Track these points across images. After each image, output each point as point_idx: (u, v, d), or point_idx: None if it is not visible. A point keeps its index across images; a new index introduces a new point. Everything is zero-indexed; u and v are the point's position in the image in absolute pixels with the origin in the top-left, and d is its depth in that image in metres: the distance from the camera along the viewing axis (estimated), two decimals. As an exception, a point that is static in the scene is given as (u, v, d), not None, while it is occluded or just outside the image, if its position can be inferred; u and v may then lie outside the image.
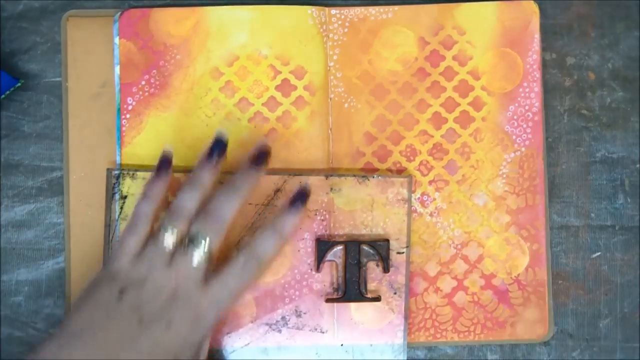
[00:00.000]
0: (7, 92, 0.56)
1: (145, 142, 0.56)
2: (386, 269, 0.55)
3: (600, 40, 0.58)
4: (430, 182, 0.57)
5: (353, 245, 0.55)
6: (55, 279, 0.57)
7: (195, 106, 0.56)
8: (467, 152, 0.57)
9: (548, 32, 0.58)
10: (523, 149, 0.57)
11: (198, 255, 0.49)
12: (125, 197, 0.55)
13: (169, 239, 0.49)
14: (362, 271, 0.55)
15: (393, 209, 0.56)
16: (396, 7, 0.57)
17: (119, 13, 0.56)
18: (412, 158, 0.57)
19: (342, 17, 0.57)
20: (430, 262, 0.56)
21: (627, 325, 0.57)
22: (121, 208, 0.55)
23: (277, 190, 0.55)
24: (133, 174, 0.55)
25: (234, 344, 0.55)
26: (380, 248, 0.55)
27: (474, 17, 0.57)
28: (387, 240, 0.55)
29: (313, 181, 0.55)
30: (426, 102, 0.57)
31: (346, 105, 0.57)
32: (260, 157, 0.52)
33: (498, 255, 0.56)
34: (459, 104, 0.57)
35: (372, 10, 0.57)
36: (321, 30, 0.57)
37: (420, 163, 0.57)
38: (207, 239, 0.49)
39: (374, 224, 0.56)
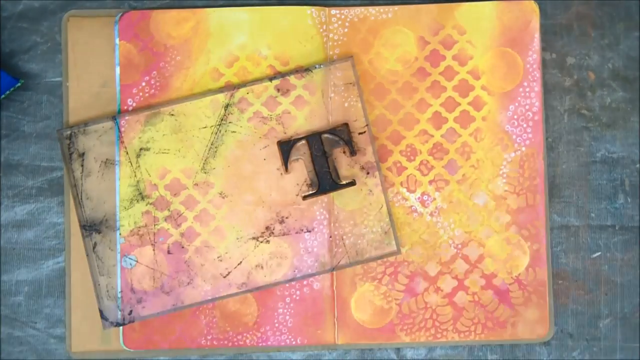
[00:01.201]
0: (7, 92, 0.57)
1: (144, 143, 0.56)
2: (352, 152, 0.55)
3: (600, 40, 0.58)
4: (430, 182, 0.57)
5: (314, 138, 0.55)
6: (55, 279, 0.57)
7: (195, 107, 0.56)
8: (468, 151, 0.57)
9: (548, 32, 0.58)
10: (523, 148, 0.56)
11: None
12: (83, 153, 0.55)
13: None
14: (330, 160, 0.55)
15: (343, 94, 0.56)
16: (396, 7, 0.57)
17: (119, 14, 0.56)
18: (412, 158, 0.57)
19: (342, 17, 0.57)
20: (431, 261, 0.56)
21: (627, 325, 0.57)
22: (82, 166, 0.55)
23: (227, 106, 0.55)
24: (84, 130, 0.55)
25: (227, 266, 0.55)
26: (341, 133, 0.55)
27: (474, 16, 0.57)
28: (346, 124, 0.55)
29: (259, 88, 0.55)
30: (426, 101, 0.57)
31: (346, 104, 0.57)
32: None
33: (498, 255, 0.56)
34: (459, 104, 0.57)
35: (372, 10, 0.57)
36: (321, 30, 0.57)
37: (421, 163, 0.57)
38: None
39: (330, 114, 0.56)
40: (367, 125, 0.56)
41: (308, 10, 0.57)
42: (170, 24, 0.57)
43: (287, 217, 0.55)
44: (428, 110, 0.57)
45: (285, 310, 0.55)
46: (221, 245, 0.55)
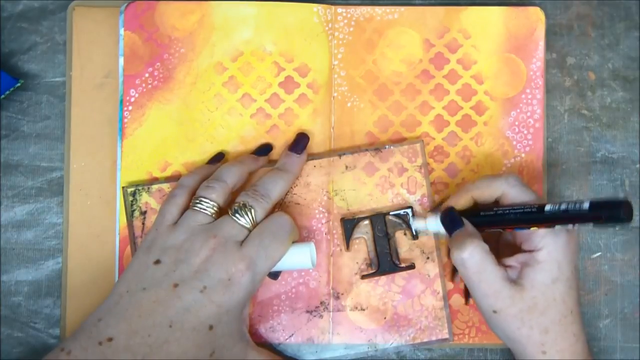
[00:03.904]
0: (7, 92, 0.56)
1: (146, 134, 0.56)
2: (414, 236, 0.55)
3: (600, 40, 0.59)
4: (430, 184, 0.57)
5: (378, 218, 0.55)
6: (55, 279, 0.57)
7: (197, 100, 0.56)
8: (468, 155, 0.57)
9: (548, 32, 0.58)
10: (523, 155, 0.57)
11: (244, 221, 0.49)
12: (145, 212, 0.54)
13: (205, 207, 0.50)
14: (391, 242, 0.55)
15: (409, 174, 0.56)
16: (402, 8, 0.57)
17: (125, 4, 0.56)
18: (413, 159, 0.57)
19: (348, 15, 0.57)
20: (429, 263, 0.56)
21: (627, 326, 0.58)
22: (143, 224, 0.55)
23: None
24: (148, 189, 0.55)
25: (279, 337, 0.55)
26: (405, 216, 0.55)
27: (480, 21, 0.57)
28: (410, 207, 0.55)
29: (326, 163, 0.55)
30: (429, 104, 0.57)
31: (349, 104, 0.57)
32: (300, 143, 0.55)
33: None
34: (461, 108, 0.57)
35: (379, 10, 0.57)
36: (326, 28, 0.57)
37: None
38: (254, 210, 0.50)
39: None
40: (430, 210, 0.56)
41: (314, 7, 0.56)
42: (175, 15, 0.56)
43: (342, 294, 0.55)
44: (430, 112, 0.57)
45: (280, 308, 0.55)
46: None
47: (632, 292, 0.58)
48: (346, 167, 0.56)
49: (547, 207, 0.46)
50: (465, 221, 0.50)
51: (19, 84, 0.57)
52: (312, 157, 0.56)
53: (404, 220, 0.55)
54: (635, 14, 0.59)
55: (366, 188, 0.56)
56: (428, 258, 0.56)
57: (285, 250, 0.50)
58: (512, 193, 0.50)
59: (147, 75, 0.56)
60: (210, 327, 0.47)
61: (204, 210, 0.49)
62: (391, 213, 0.55)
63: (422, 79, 0.57)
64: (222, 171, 0.52)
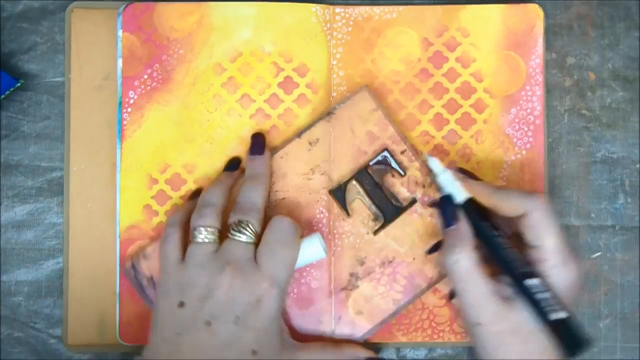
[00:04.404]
0: (7, 92, 0.56)
1: (145, 136, 0.56)
2: (402, 174, 0.55)
3: (600, 40, 0.59)
4: (431, 184, 0.56)
5: (362, 174, 0.55)
6: (55, 279, 0.57)
7: (196, 101, 0.56)
8: (468, 153, 0.57)
9: (548, 32, 0.58)
10: (524, 152, 0.57)
11: (246, 237, 0.49)
12: (151, 277, 0.54)
13: (205, 235, 0.49)
14: (384, 189, 0.55)
15: (372, 122, 0.56)
16: (401, 7, 0.57)
17: (123, 6, 0.56)
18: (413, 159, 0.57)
19: (347, 15, 0.57)
20: (430, 262, 0.56)
21: (627, 326, 0.57)
22: (154, 288, 0.54)
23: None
24: (144, 254, 0.54)
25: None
26: (385, 159, 0.55)
27: (479, 19, 0.57)
28: (385, 149, 0.55)
29: (290, 148, 0.55)
30: (428, 102, 0.57)
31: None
32: (257, 144, 0.54)
33: (496, 257, 0.56)
34: (461, 106, 0.57)
35: (377, 9, 0.57)
36: (325, 28, 0.57)
37: (422, 164, 0.57)
38: (250, 223, 0.49)
39: (366, 146, 0.56)
40: (405, 142, 0.56)
41: (313, 7, 0.57)
42: (174, 16, 0.56)
43: (365, 257, 0.55)
44: (430, 111, 0.57)
45: (282, 308, 0.55)
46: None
47: (632, 292, 0.58)
48: (309, 143, 0.55)
49: (528, 282, 0.46)
50: (462, 220, 0.49)
51: (19, 84, 0.57)
52: (275, 149, 0.55)
53: (386, 163, 0.55)
54: (635, 14, 0.59)
55: (338, 152, 0.56)
56: (423, 187, 0.55)
57: (297, 251, 0.50)
58: (536, 216, 0.47)
59: (145, 76, 0.56)
60: (254, 352, 0.47)
61: (206, 239, 0.49)
62: (371, 163, 0.55)
63: (421, 77, 0.57)
64: (207, 197, 0.51)
